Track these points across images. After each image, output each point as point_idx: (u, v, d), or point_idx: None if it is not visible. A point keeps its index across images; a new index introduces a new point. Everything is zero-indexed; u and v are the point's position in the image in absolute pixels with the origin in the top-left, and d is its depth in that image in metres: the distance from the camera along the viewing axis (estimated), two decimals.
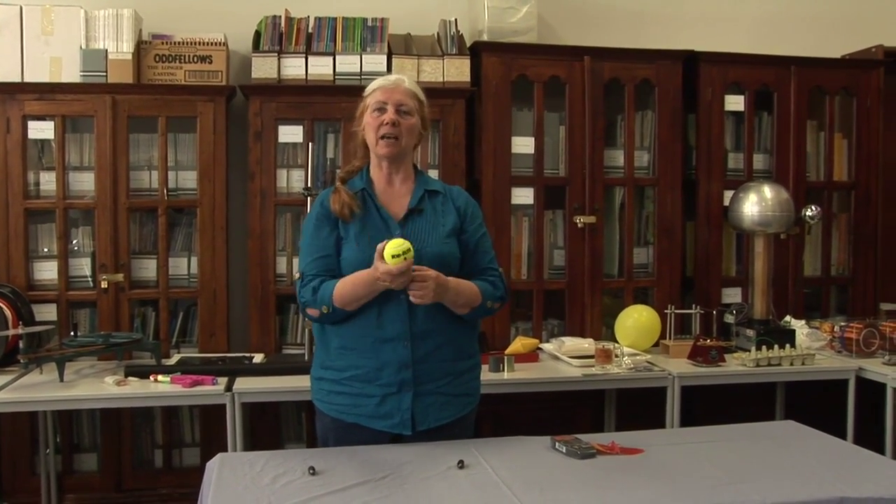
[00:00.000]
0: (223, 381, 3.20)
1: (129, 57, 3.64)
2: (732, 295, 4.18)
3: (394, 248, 2.25)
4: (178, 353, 3.73)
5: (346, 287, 2.36)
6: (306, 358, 3.54)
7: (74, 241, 3.73)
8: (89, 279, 3.69)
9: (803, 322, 3.97)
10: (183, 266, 3.78)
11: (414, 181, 2.55)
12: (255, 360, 3.52)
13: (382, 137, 2.45)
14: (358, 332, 2.40)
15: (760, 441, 2.44)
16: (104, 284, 3.62)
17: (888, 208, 4.40)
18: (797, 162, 4.18)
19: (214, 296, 3.73)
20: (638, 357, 3.59)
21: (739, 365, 3.56)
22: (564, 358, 3.62)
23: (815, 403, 3.94)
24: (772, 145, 4.20)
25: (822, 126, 4.31)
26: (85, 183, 3.68)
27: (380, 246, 2.27)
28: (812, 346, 3.77)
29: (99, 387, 3.14)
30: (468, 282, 2.45)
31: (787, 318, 3.98)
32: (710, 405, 3.90)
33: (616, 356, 3.47)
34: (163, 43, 3.73)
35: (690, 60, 4.07)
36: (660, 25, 4.40)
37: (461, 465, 2.17)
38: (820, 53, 4.28)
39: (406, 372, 2.38)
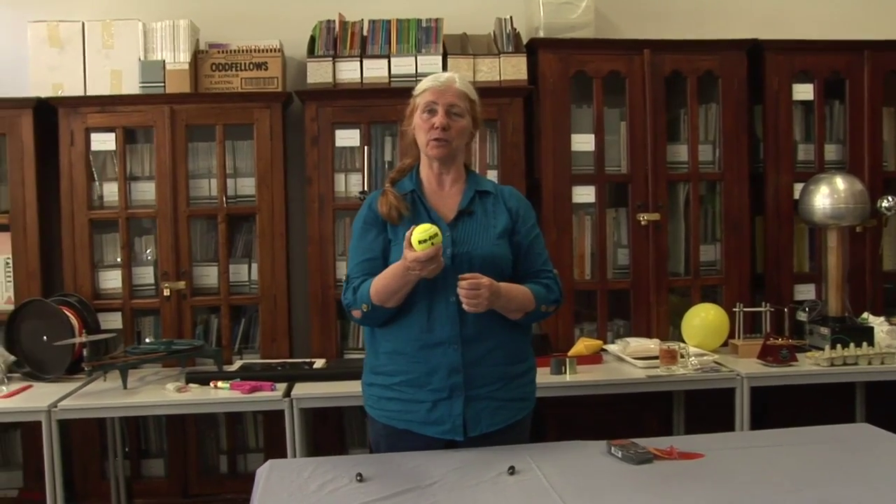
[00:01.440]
0: (282, 386, 3.20)
1: (186, 67, 3.68)
2: (805, 292, 4.01)
3: (420, 233, 2.19)
4: (241, 358, 3.76)
5: (381, 281, 2.32)
6: None
7: (148, 251, 3.79)
8: (153, 287, 3.74)
9: (882, 319, 3.78)
10: (243, 273, 3.81)
11: (465, 182, 2.50)
12: (315, 366, 3.52)
13: (432, 140, 2.41)
14: (407, 336, 2.36)
15: (830, 445, 2.32)
16: (166, 292, 3.67)
17: None
18: (873, 151, 3.99)
19: (275, 302, 3.74)
20: (705, 357, 3.47)
21: (812, 364, 3.41)
22: (629, 359, 3.53)
23: None
24: (845, 135, 4.02)
25: None
26: (146, 192, 3.74)
27: (407, 233, 2.22)
28: (893, 345, 3.59)
29: (160, 393, 3.18)
30: (521, 286, 2.39)
31: (865, 314, 3.80)
32: (784, 407, 3.77)
33: (682, 356, 3.36)
34: (219, 52, 3.76)
35: (755, 50, 3.93)
36: (721, 15, 4.24)
37: (511, 471, 2.11)
38: (892, 36, 4.08)
39: (457, 376, 2.33)
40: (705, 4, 4.27)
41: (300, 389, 3.18)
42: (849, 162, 4.00)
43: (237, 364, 3.59)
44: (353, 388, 3.15)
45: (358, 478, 2.08)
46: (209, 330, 3.82)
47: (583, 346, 3.55)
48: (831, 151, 4.04)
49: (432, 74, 2.55)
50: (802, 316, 3.77)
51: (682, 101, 3.97)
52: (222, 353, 3.57)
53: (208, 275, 3.79)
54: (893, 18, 4.28)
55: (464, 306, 2.26)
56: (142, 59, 3.69)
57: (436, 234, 2.19)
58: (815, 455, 2.22)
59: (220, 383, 3.23)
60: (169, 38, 3.69)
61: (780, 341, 3.44)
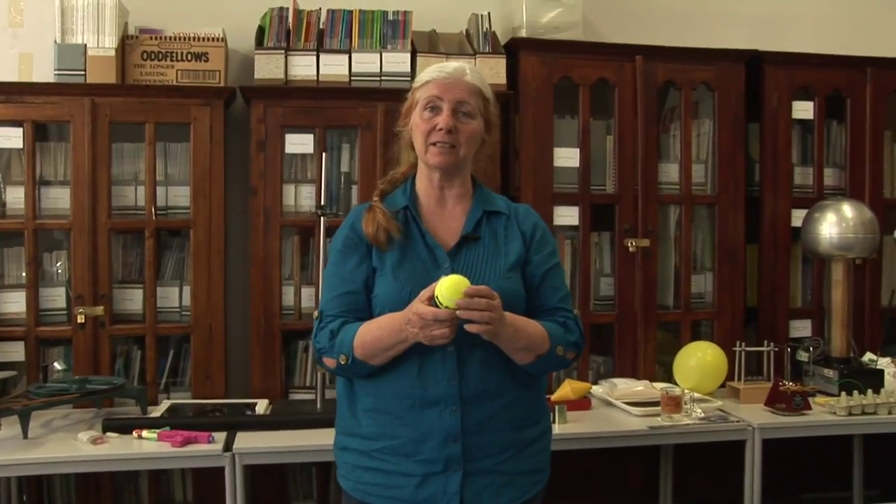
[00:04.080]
0: (221, 437, 2.67)
1: (112, 53, 3.12)
2: (801, 328, 3.67)
3: (452, 288, 1.74)
4: (168, 398, 3.20)
5: (371, 331, 1.85)
6: (318, 406, 3.02)
7: (59, 268, 3.21)
8: (64, 313, 3.16)
9: (889, 360, 3.45)
10: (174, 297, 3.25)
11: (471, 199, 2.02)
12: (257, 409, 2.99)
13: (434, 144, 1.94)
14: (393, 392, 1.88)
15: None
16: (81, 319, 3.08)
17: None
18: (874, 176, 3.68)
19: (210, 331, 3.19)
20: (707, 404, 3.07)
21: (827, 413, 3.04)
22: (619, 404, 3.09)
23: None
24: (844, 158, 3.70)
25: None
26: (59, 200, 3.15)
27: (429, 287, 1.77)
28: None
29: (69, 445, 2.61)
30: (532, 321, 1.92)
31: (870, 355, 3.47)
32: (778, 456, 3.38)
33: (685, 404, 2.95)
34: (151, 38, 3.21)
35: (752, 62, 3.58)
36: (714, 24, 3.89)
37: None
38: (891, 53, 3.79)
39: (454, 446, 1.85)
40: (696, 11, 3.91)
41: (243, 441, 2.65)
42: (849, 187, 3.68)
43: (164, 405, 3.03)
44: (304, 439, 2.69)
45: None
46: (131, 364, 3.24)
47: (569, 388, 3.11)
48: (829, 176, 3.71)
49: (438, 64, 2.07)
50: (803, 356, 3.41)
51: (673, 114, 3.59)
52: (147, 393, 3.00)
53: (131, 299, 3.21)
54: (890, 35, 3.98)
55: (467, 327, 1.77)
56: (58, 41, 3.11)
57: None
58: None
59: (145, 432, 2.67)
60: (92, 19, 3.12)
61: (790, 386, 3.06)
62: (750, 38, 3.71)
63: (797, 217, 3.60)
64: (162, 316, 3.21)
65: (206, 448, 2.60)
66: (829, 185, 3.70)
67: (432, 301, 1.75)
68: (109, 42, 3.13)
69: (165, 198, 3.23)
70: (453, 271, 1.87)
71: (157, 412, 2.94)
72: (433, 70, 2.02)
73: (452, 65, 2.03)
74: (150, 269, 3.17)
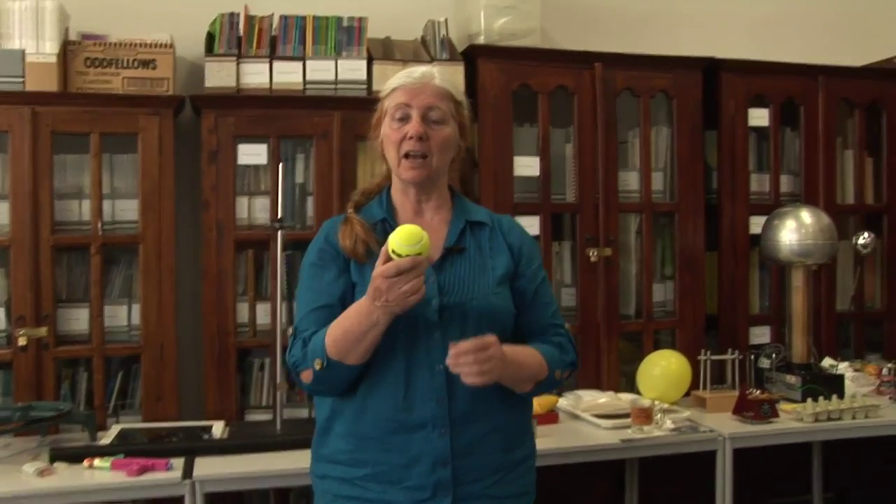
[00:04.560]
0: (179, 463, 2.52)
1: (54, 60, 2.95)
2: (760, 335, 3.67)
3: (405, 237, 1.63)
4: (117, 422, 3.03)
5: (340, 325, 1.73)
6: (278, 428, 2.89)
7: None
8: (3, 335, 2.97)
9: (846, 364, 3.48)
10: (122, 316, 3.08)
11: (451, 209, 1.94)
12: (214, 432, 2.85)
13: (406, 156, 1.84)
14: (376, 416, 1.77)
15: None
16: (22, 341, 2.89)
17: None
18: (828, 183, 3.71)
19: (161, 351, 3.04)
20: (676, 414, 3.03)
21: (794, 420, 3.03)
22: (587, 417, 3.04)
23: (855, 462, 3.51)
24: (799, 165, 3.72)
25: (846, 143, 3.86)
26: None
27: (384, 247, 1.66)
28: (858, 393, 3.28)
29: (14, 479, 2.42)
30: (529, 349, 1.85)
31: (829, 360, 3.48)
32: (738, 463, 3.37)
33: (655, 415, 2.91)
34: (95, 44, 3.05)
35: (708, 70, 3.58)
36: (668, 31, 3.89)
37: None
38: (838, 62, 3.83)
39: (443, 470, 1.76)
40: (651, 18, 3.90)
41: (203, 467, 2.51)
42: (804, 194, 3.70)
43: (113, 431, 2.86)
44: (268, 463, 2.58)
45: None
46: (77, 387, 3.07)
47: (536, 402, 3.03)
48: (784, 182, 3.73)
49: (406, 69, 1.98)
50: (765, 363, 3.41)
51: (631, 122, 3.57)
52: (95, 418, 2.84)
53: (77, 319, 3.03)
54: (847, 44, 4.03)
55: (465, 379, 1.69)
56: None
57: (422, 241, 1.63)
58: None
59: (97, 461, 2.51)
60: (31, 23, 2.95)
61: (757, 394, 3.05)
62: (703, 46, 3.70)
63: (754, 224, 3.61)
64: (110, 336, 3.04)
65: (165, 476, 2.45)
66: (784, 191, 3.72)
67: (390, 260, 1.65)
68: (50, 48, 2.96)
69: (112, 212, 3.06)
70: (439, 286, 1.79)
71: (106, 438, 2.77)
72: (400, 76, 1.93)
73: (420, 69, 1.94)
74: (96, 287, 3.00)
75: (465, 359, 1.67)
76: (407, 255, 1.61)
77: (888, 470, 3.67)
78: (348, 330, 1.70)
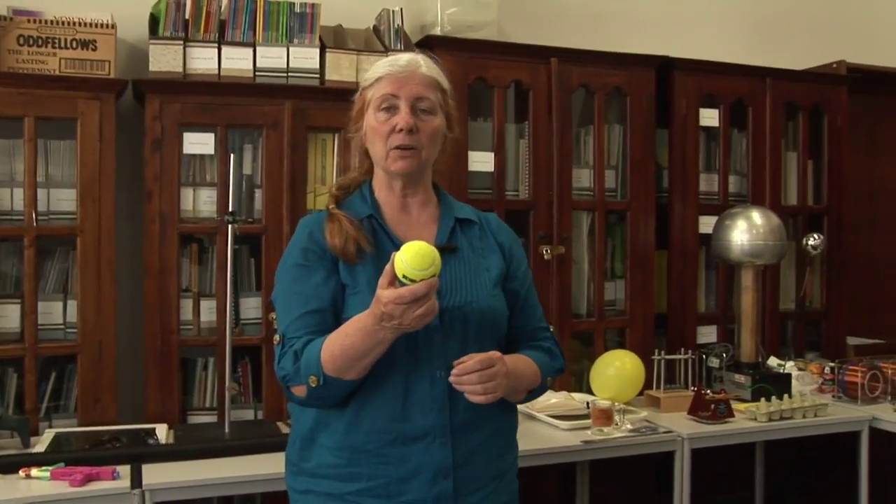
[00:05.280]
0: (125, 470, 2.37)
1: None
2: (707, 334, 3.70)
3: (414, 257, 1.49)
4: (51, 426, 2.84)
5: (340, 340, 1.60)
6: (226, 431, 2.76)
7: None
8: None
9: (791, 363, 3.52)
10: (57, 312, 2.89)
11: (438, 206, 1.85)
12: (158, 435, 2.70)
13: (395, 149, 1.75)
14: (371, 427, 1.67)
15: None
16: None
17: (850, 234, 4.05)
18: (774, 184, 3.76)
19: (100, 350, 2.86)
20: (633, 415, 3.01)
21: (748, 419, 3.04)
22: (544, 418, 3.00)
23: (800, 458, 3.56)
24: (747, 166, 3.75)
25: (788, 145, 3.91)
26: None
27: (388, 266, 1.53)
28: (803, 392, 3.33)
29: None
30: (523, 357, 1.79)
31: (775, 359, 3.53)
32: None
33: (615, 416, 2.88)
34: (29, 21, 2.85)
35: (661, 68, 3.57)
36: (619, 29, 3.88)
37: None
38: (783, 66, 3.88)
39: (444, 482, 1.67)
40: (606, 14, 3.88)
41: (152, 475, 2.36)
42: (751, 194, 3.74)
43: (47, 436, 2.68)
44: (221, 469, 2.46)
45: None
46: (6, 390, 2.86)
47: None
48: (731, 183, 3.76)
49: (388, 57, 1.87)
50: (714, 362, 3.42)
51: (584, 118, 3.54)
52: (28, 424, 2.65)
53: (6, 315, 2.82)
54: (793, 47, 4.09)
55: (471, 398, 1.61)
56: None
57: (435, 262, 1.51)
58: None
59: (34, 471, 2.33)
60: None
61: (713, 394, 3.05)
62: (656, 44, 3.69)
63: (703, 224, 3.63)
64: (43, 334, 2.84)
65: (112, 486, 2.29)
66: (732, 192, 3.75)
67: (398, 283, 1.52)
68: None
69: (47, 202, 2.86)
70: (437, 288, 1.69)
71: (41, 445, 2.59)
72: (384, 64, 1.82)
73: (405, 57, 1.84)
74: (29, 281, 2.80)
75: (470, 378, 1.59)
76: (421, 280, 1.50)
77: (822, 467, 3.74)
78: (349, 347, 1.59)
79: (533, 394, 1.81)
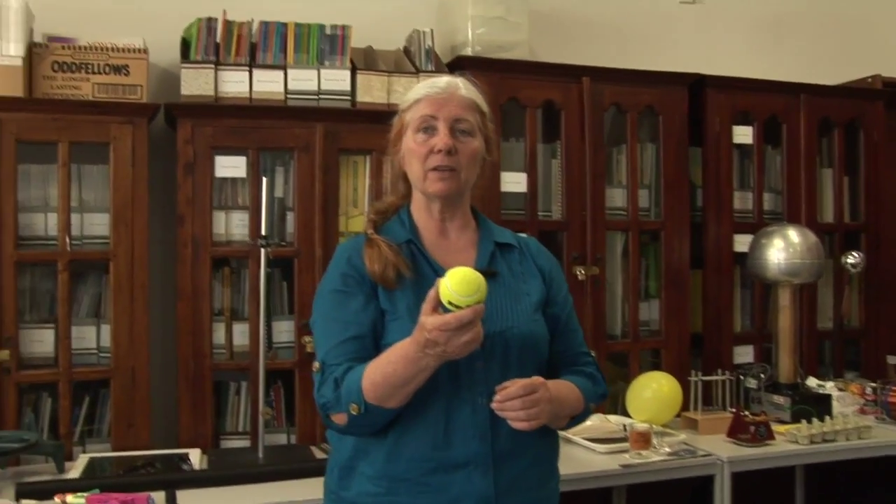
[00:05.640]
0: (159, 497, 2.35)
1: (19, 63, 2.75)
2: (743, 354, 3.63)
3: (460, 283, 1.46)
4: (84, 451, 2.83)
5: (380, 368, 1.57)
6: (260, 456, 2.73)
7: None
8: None
9: (833, 384, 3.45)
10: (90, 337, 2.88)
11: (476, 230, 1.83)
12: (192, 461, 2.68)
13: (433, 170, 1.73)
14: (412, 454, 1.63)
15: None
16: None
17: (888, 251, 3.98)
18: (809, 201, 3.70)
19: (133, 375, 2.85)
20: (671, 438, 2.96)
21: (789, 441, 2.98)
22: (579, 440, 2.95)
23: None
24: (782, 183, 3.70)
25: (823, 161, 3.86)
26: None
27: (431, 291, 1.50)
28: (845, 413, 3.26)
29: None
30: (568, 384, 1.75)
31: (814, 380, 3.46)
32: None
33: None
34: (64, 47, 2.87)
35: (694, 86, 3.54)
36: (650, 47, 3.85)
37: None
38: (816, 81, 3.83)
39: None
40: (638, 33, 3.86)
41: (187, 501, 2.35)
42: (786, 212, 3.68)
43: (82, 461, 2.67)
44: (256, 495, 2.42)
45: None
46: (40, 414, 2.86)
47: None
48: (766, 201, 3.70)
49: (427, 80, 1.86)
50: (752, 383, 3.36)
51: (617, 138, 3.51)
52: (63, 449, 2.64)
53: (41, 340, 2.82)
54: (827, 62, 4.04)
55: (514, 424, 1.58)
56: None
57: (480, 288, 1.48)
58: None
59: (69, 497, 2.31)
60: None
61: (753, 416, 2.99)
62: (685, 61, 3.66)
63: (738, 242, 3.58)
64: (77, 359, 2.84)
65: None
66: (767, 209, 3.70)
67: (441, 308, 1.49)
68: (15, 50, 2.76)
69: (80, 226, 2.87)
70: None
71: (75, 470, 2.58)
72: (423, 87, 1.82)
73: (444, 79, 1.83)
74: (63, 306, 2.80)
75: (513, 404, 1.56)
76: (466, 307, 1.47)
77: (863, 491, 3.66)
78: (391, 374, 1.56)
79: (575, 420, 1.78)
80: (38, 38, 2.92)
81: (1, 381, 2.73)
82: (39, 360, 2.83)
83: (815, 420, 3.02)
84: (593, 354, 1.88)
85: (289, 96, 3.07)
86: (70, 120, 2.81)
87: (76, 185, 2.88)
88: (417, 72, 3.22)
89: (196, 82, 2.97)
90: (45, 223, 2.84)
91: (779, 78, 3.72)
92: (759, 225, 3.55)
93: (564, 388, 1.72)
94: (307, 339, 2.96)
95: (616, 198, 3.47)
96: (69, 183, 2.83)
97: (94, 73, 2.88)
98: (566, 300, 1.84)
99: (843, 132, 3.80)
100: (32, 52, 2.83)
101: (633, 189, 3.44)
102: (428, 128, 1.74)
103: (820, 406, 3.19)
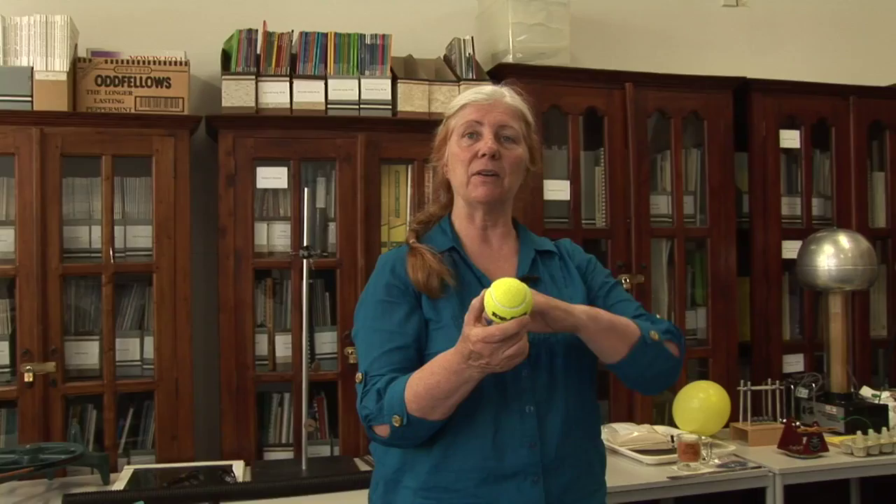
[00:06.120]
0: None
1: (64, 77, 2.78)
2: (793, 363, 3.54)
3: (506, 294, 1.42)
4: (129, 463, 2.84)
5: (423, 379, 1.54)
6: (304, 468, 2.72)
7: (2, 315, 2.82)
8: (8, 370, 2.77)
9: (888, 394, 3.35)
10: (134, 349, 2.90)
11: (517, 238, 1.80)
12: (235, 472, 2.67)
13: (477, 174, 1.70)
14: (461, 465, 1.60)
15: None
16: (28, 377, 2.70)
17: None
18: (860, 206, 3.60)
19: (177, 387, 2.86)
20: (720, 449, 2.89)
21: (843, 453, 2.89)
22: (627, 452, 2.89)
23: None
24: (832, 188, 3.61)
25: (874, 165, 3.76)
26: (3, 242, 2.78)
27: (475, 301, 1.47)
28: None
29: None
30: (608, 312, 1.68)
31: (868, 389, 3.36)
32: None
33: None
34: (107, 61, 2.89)
35: (739, 90, 3.47)
36: (693, 50, 3.80)
37: None
38: (866, 83, 3.73)
39: None
40: (680, 37, 3.80)
41: None
42: (836, 217, 3.59)
43: (126, 473, 2.68)
44: None
45: None
46: (86, 426, 2.87)
47: None
48: (815, 206, 3.61)
49: (474, 87, 1.84)
50: (803, 392, 3.28)
51: (660, 144, 3.45)
52: (108, 461, 2.65)
53: (86, 352, 2.85)
54: (877, 65, 3.95)
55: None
56: (1, 63, 2.77)
57: (526, 299, 1.44)
58: None
59: None
60: (39, 39, 2.78)
61: (805, 427, 2.91)
62: (730, 64, 3.60)
63: (786, 249, 3.50)
64: (121, 371, 2.86)
65: None
66: (816, 215, 3.61)
67: (486, 320, 1.46)
68: (59, 65, 2.79)
69: (124, 239, 2.89)
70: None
71: (120, 482, 2.59)
72: (469, 94, 1.81)
73: (489, 87, 1.82)
74: (107, 318, 2.82)
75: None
76: (511, 318, 1.43)
77: None
78: (434, 386, 1.53)
79: (636, 350, 1.64)
80: (81, 53, 2.94)
81: (47, 393, 2.74)
82: (85, 373, 2.85)
83: (870, 431, 2.93)
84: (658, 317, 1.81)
85: (329, 106, 3.06)
86: (113, 133, 2.82)
87: (119, 197, 2.90)
88: (458, 80, 3.20)
89: (237, 94, 2.97)
90: (90, 236, 2.86)
91: (826, 80, 3.63)
92: (808, 231, 3.46)
93: (601, 311, 1.65)
94: (350, 349, 2.94)
95: (661, 205, 3.41)
96: (113, 196, 2.85)
97: (136, 86, 2.89)
98: (605, 283, 1.79)
99: (895, 135, 3.70)
100: (77, 66, 2.85)
101: (678, 196, 3.38)
102: (473, 133, 1.73)
103: (875, 417, 3.10)
